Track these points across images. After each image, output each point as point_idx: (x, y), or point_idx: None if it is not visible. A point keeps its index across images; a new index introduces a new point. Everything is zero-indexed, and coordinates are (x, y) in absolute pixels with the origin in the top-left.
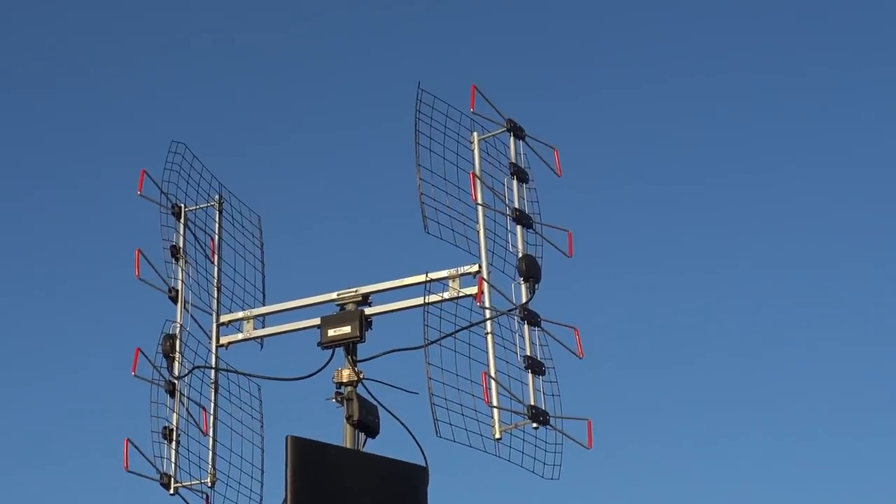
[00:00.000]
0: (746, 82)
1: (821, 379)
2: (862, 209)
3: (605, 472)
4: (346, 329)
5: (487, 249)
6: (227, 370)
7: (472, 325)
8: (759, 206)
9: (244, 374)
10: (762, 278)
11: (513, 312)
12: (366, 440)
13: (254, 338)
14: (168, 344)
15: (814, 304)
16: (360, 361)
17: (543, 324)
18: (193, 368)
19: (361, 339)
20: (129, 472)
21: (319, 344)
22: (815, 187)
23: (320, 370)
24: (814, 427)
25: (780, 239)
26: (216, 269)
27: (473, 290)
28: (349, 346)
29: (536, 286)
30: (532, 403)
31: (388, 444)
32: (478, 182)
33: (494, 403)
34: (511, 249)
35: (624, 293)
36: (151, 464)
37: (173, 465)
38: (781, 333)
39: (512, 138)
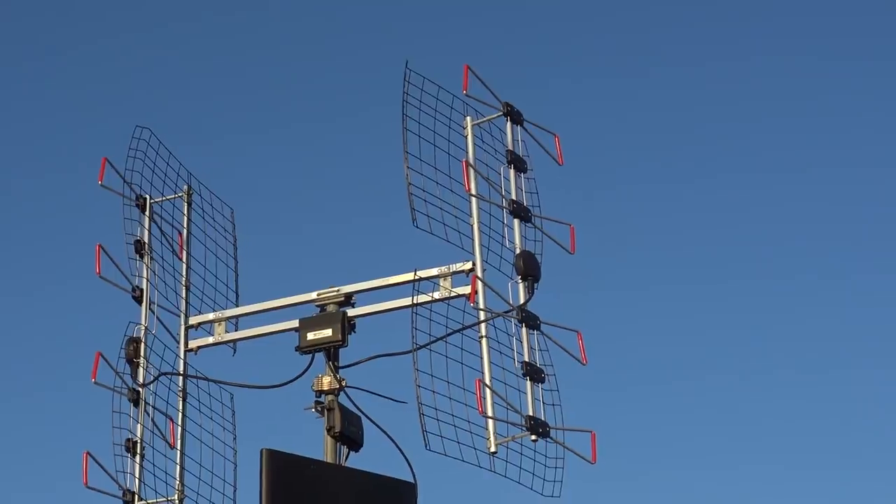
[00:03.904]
0: (771, 65)
1: (848, 401)
2: None
3: (610, 488)
4: (327, 332)
5: (482, 245)
6: (196, 377)
7: (465, 327)
8: (800, 201)
9: (215, 382)
10: (794, 282)
11: (510, 314)
12: (348, 454)
13: (226, 342)
14: (132, 348)
15: (842, 314)
16: (342, 368)
17: (543, 327)
18: (159, 375)
19: (344, 343)
20: (89, 488)
21: (297, 348)
22: (851, 187)
23: (298, 377)
24: (837, 450)
25: (813, 242)
26: (185, 266)
27: (466, 289)
28: (330, 350)
29: (535, 285)
30: (531, 414)
31: (372, 458)
32: (471, 171)
33: (489, 414)
34: (508, 245)
35: (632, 293)
36: (113, 479)
37: (137, 480)
38: (809, 347)
39: (509, 123)
